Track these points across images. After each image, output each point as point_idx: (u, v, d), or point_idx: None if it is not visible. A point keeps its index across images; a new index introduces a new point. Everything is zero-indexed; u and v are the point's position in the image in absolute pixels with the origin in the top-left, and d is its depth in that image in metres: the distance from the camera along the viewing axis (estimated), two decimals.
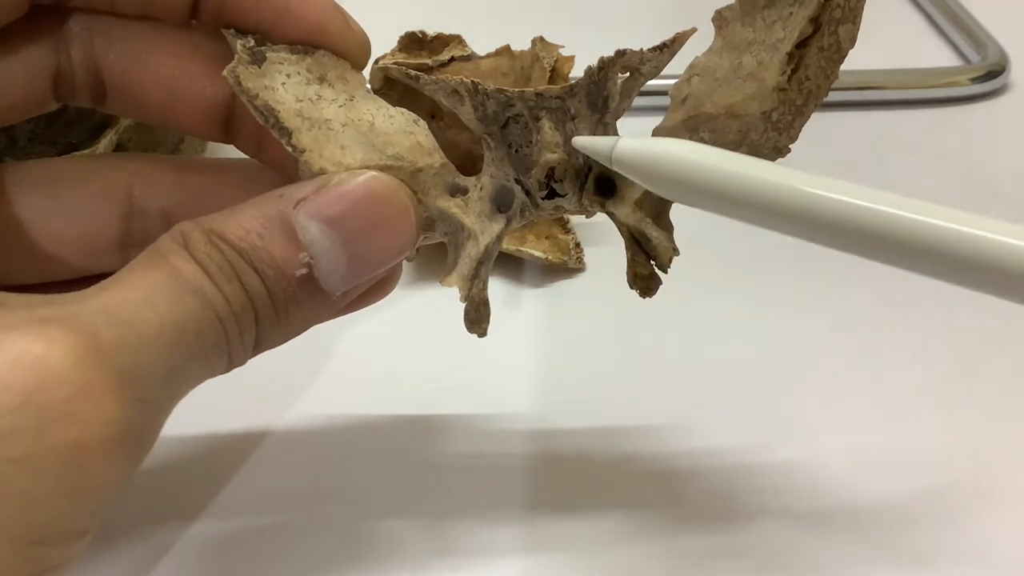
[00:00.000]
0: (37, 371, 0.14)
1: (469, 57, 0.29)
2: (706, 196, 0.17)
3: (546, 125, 0.19)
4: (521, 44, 0.33)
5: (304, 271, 0.17)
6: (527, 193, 0.19)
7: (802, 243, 0.32)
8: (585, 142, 0.18)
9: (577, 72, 0.27)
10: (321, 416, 0.26)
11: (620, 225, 0.20)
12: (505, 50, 0.32)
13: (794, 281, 0.31)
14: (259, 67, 0.18)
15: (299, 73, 0.18)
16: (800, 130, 0.19)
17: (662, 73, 0.19)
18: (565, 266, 0.31)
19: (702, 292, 0.30)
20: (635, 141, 0.17)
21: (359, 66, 0.19)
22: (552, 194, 0.19)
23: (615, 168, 0.18)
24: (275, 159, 0.20)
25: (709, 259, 0.31)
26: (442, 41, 0.30)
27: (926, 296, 0.30)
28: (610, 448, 0.25)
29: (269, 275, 0.17)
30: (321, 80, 0.18)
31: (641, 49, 0.19)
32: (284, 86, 0.18)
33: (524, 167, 0.19)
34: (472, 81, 0.19)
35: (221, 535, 0.22)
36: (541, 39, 0.33)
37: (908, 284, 0.30)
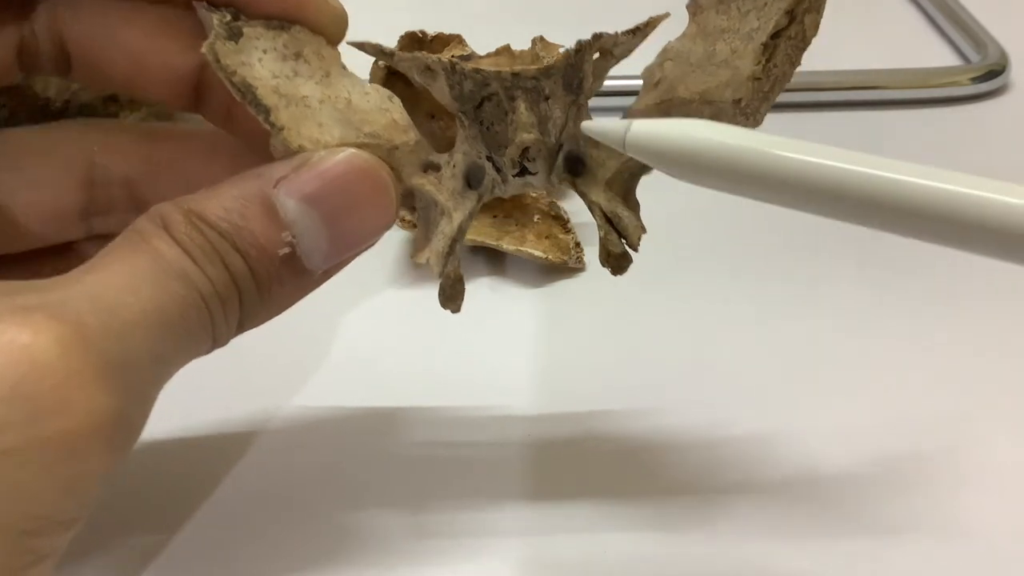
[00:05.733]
0: (24, 361, 0.14)
1: (469, 57, 0.29)
2: (727, 178, 0.16)
3: (521, 106, 0.19)
4: (521, 44, 0.33)
5: (287, 250, 0.17)
6: (497, 170, 0.19)
7: (798, 242, 0.32)
8: (596, 127, 0.18)
9: None
10: (320, 414, 0.26)
11: (591, 204, 0.20)
12: (505, 50, 0.32)
13: (790, 280, 0.31)
14: (236, 43, 0.17)
15: (275, 49, 0.18)
16: (765, 114, 0.19)
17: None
18: (565, 266, 0.31)
19: (700, 291, 0.30)
20: (650, 123, 0.17)
21: (335, 41, 0.19)
22: (523, 171, 0.19)
23: (629, 153, 0.17)
24: (244, 130, 0.20)
25: (707, 259, 0.32)
26: (442, 41, 0.30)
27: (904, 274, 0.30)
28: (609, 446, 0.25)
29: (252, 255, 0.16)
30: (297, 56, 0.18)
31: (616, 32, 0.19)
32: (260, 62, 0.17)
33: (495, 144, 0.19)
34: (449, 60, 0.19)
35: (217, 530, 0.22)
36: (541, 39, 0.33)
37: (892, 270, 0.30)
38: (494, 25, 0.36)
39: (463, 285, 0.20)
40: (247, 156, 0.18)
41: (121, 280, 0.15)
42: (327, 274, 0.18)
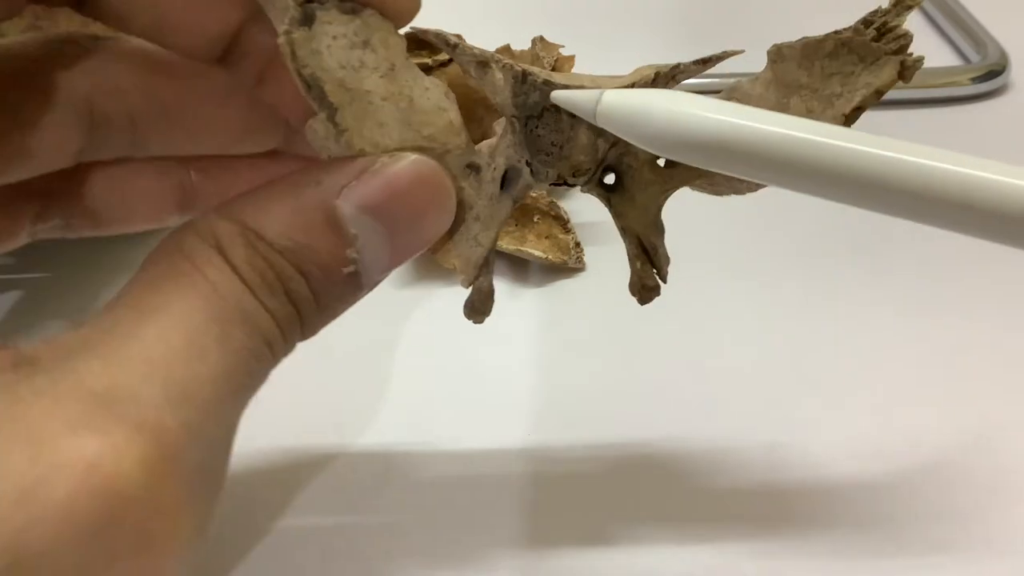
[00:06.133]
0: (107, 497, 0.12)
1: None
2: (705, 151, 0.16)
3: (583, 127, 0.19)
4: (521, 44, 0.33)
5: (352, 268, 0.15)
6: (533, 174, 0.19)
7: (801, 242, 0.32)
8: (566, 97, 0.17)
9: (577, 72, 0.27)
10: (319, 412, 0.26)
11: (625, 229, 0.20)
12: (505, 50, 0.32)
13: (794, 281, 0.31)
14: (309, 28, 0.16)
15: (345, 36, 0.16)
16: None
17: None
18: (565, 266, 0.31)
19: (702, 292, 0.30)
20: (623, 93, 0.16)
21: (402, 23, 0.17)
22: (563, 183, 0.19)
23: (600, 125, 0.17)
24: (275, 97, 0.19)
25: (709, 260, 0.32)
26: None
27: (926, 291, 0.30)
28: (610, 448, 0.25)
29: (315, 275, 0.15)
30: (365, 45, 0.17)
31: (689, 63, 0.19)
32: (329, 49, 0.16)
33: (536, 149, 0.19)
34: (522, 69, 0.18)
35: (224, 563, 0.22)
36: (541, 39, 0.33)
37: (906, 280, 0.30)
38: (494, 25, 0.36)
39: (493, 300, 0.19)
40: (262, 101, 0.17)
41: (182, 339, 0.14)
42: (378, 284, 0.17)
